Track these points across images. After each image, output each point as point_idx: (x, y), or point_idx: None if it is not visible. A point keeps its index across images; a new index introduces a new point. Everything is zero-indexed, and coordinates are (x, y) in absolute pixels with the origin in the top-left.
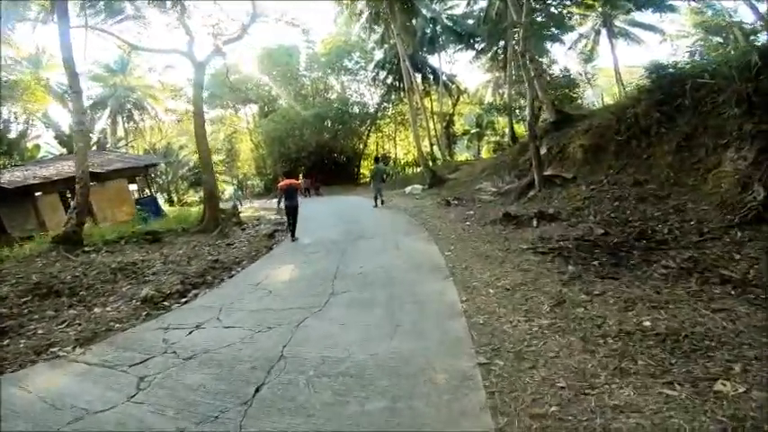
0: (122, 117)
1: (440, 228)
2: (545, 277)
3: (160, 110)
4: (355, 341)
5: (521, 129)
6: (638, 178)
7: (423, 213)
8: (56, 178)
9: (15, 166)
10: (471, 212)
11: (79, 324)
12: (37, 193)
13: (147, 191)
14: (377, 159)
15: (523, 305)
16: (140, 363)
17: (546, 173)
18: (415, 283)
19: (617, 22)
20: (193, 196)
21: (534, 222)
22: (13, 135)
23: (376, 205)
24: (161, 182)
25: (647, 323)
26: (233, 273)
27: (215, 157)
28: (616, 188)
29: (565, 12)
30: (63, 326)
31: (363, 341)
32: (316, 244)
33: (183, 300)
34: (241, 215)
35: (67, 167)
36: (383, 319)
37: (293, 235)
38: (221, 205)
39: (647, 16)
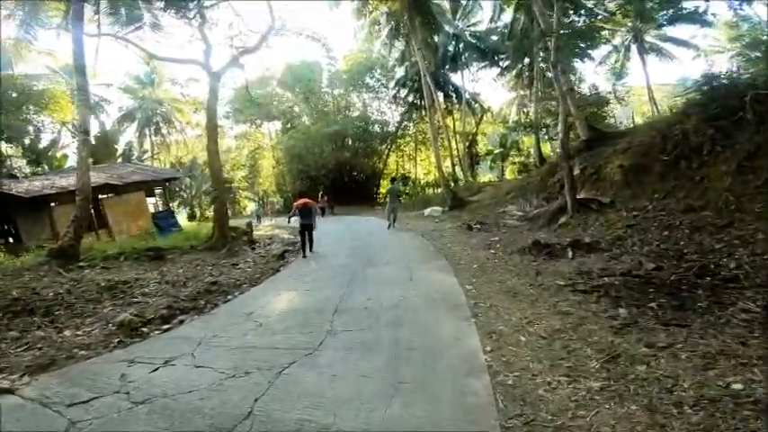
0: (149, 130)
1: (460, 256)
2: (590, 322)
3: (186, 124)
4: (345, 401)
5: (547, 149)
6: (691, 204)
7: (442, 238)
8: (72, 188)
9: (36, 175)
10: (496, 239)
11: (40, 348)
12: (52, 204)
13: (165, 204)
14: (393, 180)
15: (565, 360)
16: (82, 403)
17: (579, 196)
18: (428, 324)
19: (648, 38)
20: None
21: (569, 253)
22: (43, 144)
23: (390, 226)
24: (185, 196)
25: (738, 386)
26: (229, 297)
27: (238, 174)
28: (664, 215)
29: (596, 23)
30: (22, 349)
31: (356, 402)
32: (323, 269)
33: (166, 327)
34: (258, 233)
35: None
36: (385, 372)
37: (305, 253)
38: (242, 221)
39: (679, 31)
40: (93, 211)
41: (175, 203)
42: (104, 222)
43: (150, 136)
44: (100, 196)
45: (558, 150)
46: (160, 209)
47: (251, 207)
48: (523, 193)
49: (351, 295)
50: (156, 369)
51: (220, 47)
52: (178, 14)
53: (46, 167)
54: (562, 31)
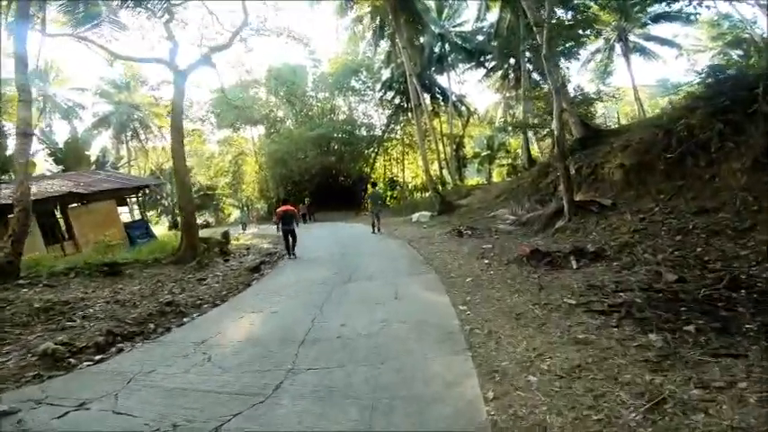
0: (125, 136)
1: (451, 267)
2: (617, 354)
3: (165, 129)
4: None
5: (535, 150)
6: (703, 205)
7: (430, 246)
8: (32, 198)
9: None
10: (489, 246)
11: None
12: (10, 215)
13: (141, 213)
14: (374, 184)
15: (593, 410)
16: None
17: (577, 198)
18: (415, 360)
19: (631, 37)
20: (198, 219)
21: (573, 262)
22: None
23: (374, 231)
24: (167, 204)
25: None
26: (185, 320)
27: (221, 180)
28: (673, 218)
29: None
30: None
31: None
32: (297, 284)
33: (99, 357)
34: (236, 242)
35: (51, 187)
36: None
37: (290, 254)
38: (221, 230)
39: (662, 29)
40: (58, 221)
41: (156, 212)
42: (70, 234)
43: (127, 142)
44: (70, 206)
45: (547, 151)
46: (136, 218)
47: (235, 214)
48: (514, 195)
49: (324, 319)
50: (65, 414)
51: (193, 47)
52: (142, 11)
53: (12, 176)
54: (554, 21)
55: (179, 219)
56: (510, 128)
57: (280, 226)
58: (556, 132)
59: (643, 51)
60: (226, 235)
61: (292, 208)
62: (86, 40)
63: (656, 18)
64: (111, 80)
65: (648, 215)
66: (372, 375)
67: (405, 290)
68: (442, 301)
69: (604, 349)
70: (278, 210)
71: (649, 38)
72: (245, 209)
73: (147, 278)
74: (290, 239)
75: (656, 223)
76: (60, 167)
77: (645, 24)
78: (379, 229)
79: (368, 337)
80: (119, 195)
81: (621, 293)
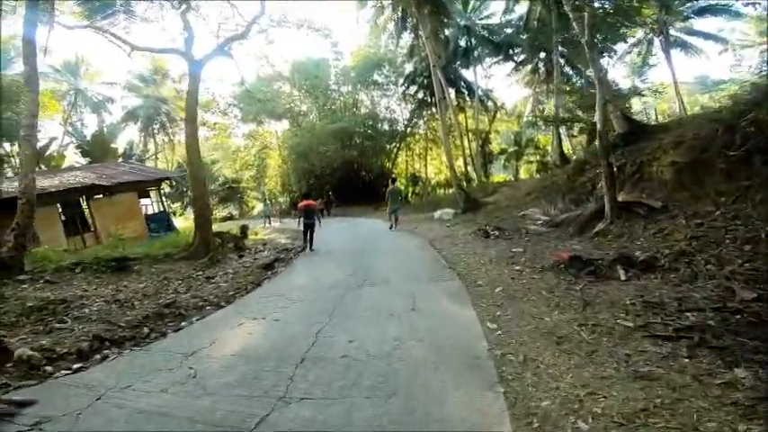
0: (152, 129)
1: (477, 273)
2: (694, 394)
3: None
4: None
5: (566, 146)
6: None
7: (454, 247)
8: (52, 190)
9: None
10: (519, 250)
11: None
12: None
13: (161, 205)
14: (393, 180)
15: None
16: None
17: (620, 199)
18: (430, 393)
19: (672, 31)
20: (223, 212)
21: (620, 272)
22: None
23: (392, 227)
24: (191, 197)
25: None
26: (183, 325)
27: (246, 173)
28: (740, 224)
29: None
30: None
31: None
32: (308, 286)
33: (78, 366)
34: (255, 236)
35: (74, 179)
36: None
37: (310, 247)
38: (244, 223)
39: (705, 23)
40: (79, 213)
41: (181, 204)
42: (93, 225)
43: (154, 135)
44: (92, 198)
45: (579, 148)
46: (158, 210)
47: (259, 207)
48: (546, 194)
49: (330, 332)
50: None
51: (213, 39)
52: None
53: (43, 167)
54: (597, 4)
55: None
56: (541, 122)
57: (302, 220)
58: (599, 126)
59: (684, 46)
60: (244, 229)
61: (314, 203)
62: (104, 31)
63: (701, 11)
64: (139, 74)
65: (707, 220)
66: (378, 413)
67: (424, 299)
68: (466, 315)
69: (677, 387)
70: (300, 204)
71: (692, 32)
72: (269, 202)
73: (154, 275)
74: (310, 233)
75: (718, 229)
76: (87, 160)
77: (687, 18)
78: (396, 225)
79: (378, 358)
80: (141, 188)
81: (688, 313)
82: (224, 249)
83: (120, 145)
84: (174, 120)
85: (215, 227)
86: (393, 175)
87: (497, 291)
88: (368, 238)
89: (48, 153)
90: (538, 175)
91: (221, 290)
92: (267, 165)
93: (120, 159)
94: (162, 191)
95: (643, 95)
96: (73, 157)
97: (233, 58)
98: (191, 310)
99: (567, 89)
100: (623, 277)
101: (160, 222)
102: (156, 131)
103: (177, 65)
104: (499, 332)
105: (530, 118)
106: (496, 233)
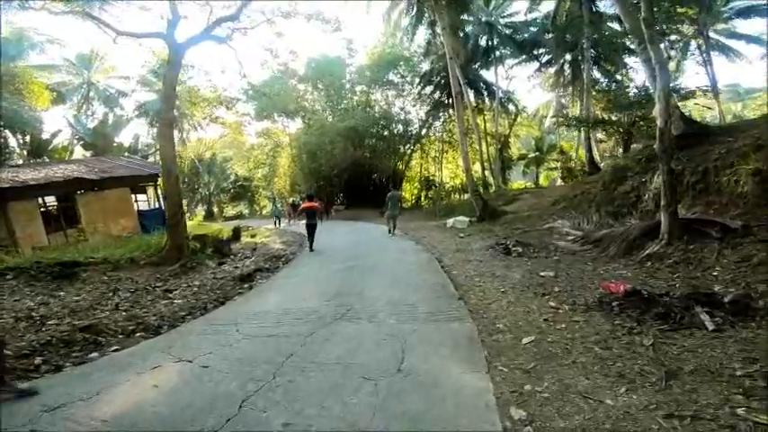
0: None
1: (496, 308)
2: None
3: (200, 118)
4: None
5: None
6: None
7: (467, 265)
8: (32, 183)
9: (12, 167)
10: (550, 274)
11: None
12: (11, 201)
13: (156, 201)
14: (394, 186)
15: None
16: None
17: (682, 215)
18: None
19: (711, 33)
20: (233, 210)
21: (704, 318)
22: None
23: (390, 231)
24: (203, 193)
25: None
26: (90, 357)
27: (258, 172)
28: None
29: None
30: None
31: None
32: (270, 316)
33: None
34: (254, 237)
35: (60, 172)
36: None
37: (311, 247)
38: (238, 225)
39: (747, 25)
40: (65, 208)
41: (187, 200)
42: (77, 220)
43: None
44: (82, 191)
45: (607, 155)
46: (156, 206)
47: (269, 207)
48: (577, 204)
49: (263, 403)
50: None
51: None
52: None
53: (47, 159)
54: None
55: (214, 208)
56: (573, 123)
57: (303, 220)
58: (659, 122)
59: (723, 50)
60: (237, 231)
61: (316, 204)
62: (88, 16)
63: (744, 12)
64: (153, 69)
65: None
66: None
67: (417, 352)
68: (478, 387)
69: None
70: (303, 206)
71: (732, 35)
72: (280, 202)
73: (103, 284)
74: (311, 234)
75: None
76: (90, 153)
77: (729, 19)
78: (394, 231)
79: None
80: (135, 183)
81: None
82: (203, 255)
83: (125, 139)
84: (185, 114)
85: (219, 226)
86: (406, 175)
87: (525, 342)
88: (366, 250)
89: (51, 146)
90: (561, 183)
91: (171, 309)
92: (278, 164)
93: (127, 153)
94: (158, 186)
95: (693, 97)
96: (81, 150)
97: (228, 45)
98: (115, 336)
99: (599, 90)
100: (711, 325)
101: (154, 219)
102: None
103: (189, 58)
104: (530, 429)
105: (559, 119)
106: (519, 249)
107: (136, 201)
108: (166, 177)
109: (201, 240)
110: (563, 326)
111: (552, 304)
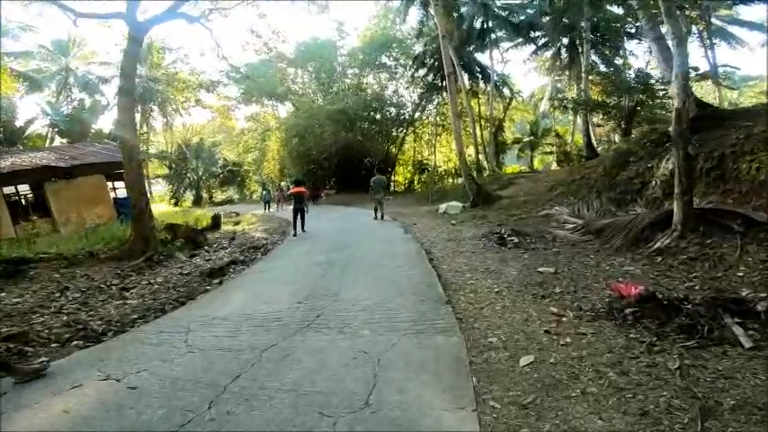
0: (147, 109)
1: (488, 314)
2: None
3: (184, 103)
4: None
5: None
6: None
7: (457, 257)
8: None
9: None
10: (550, 270)
11: None
12: None
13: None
14: (379, 170)
15: None
16: None
17: (698, 205)
18: None
19: (714, 20)
20: (222, 195)
21: (737, 331)
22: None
23: (376, 217)
24: (191, 178)
25: None
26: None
27: (248, 156)
28: None
29: None
30: None
31: None
32: (229, 321)
33: None
34: (237, 225)
35: (29, 160)
36: None
37: (295, 232)
38: (218, 213)
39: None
40: (33, 198)
41: (173, 186)
42: (47, 211)
43: (148, 116)
44: (48, 181)
45: (605, 139)
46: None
47: (259, 192)
48: (575, 190)
49: None
50: None
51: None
52: None
53: (21, 148)
54: None
55: (203, 193)
56: (572, 106)
57: (292, 205)
58: (676, 102)
59: (725, 36)
60: (216, 218)
61: (303, 189)
62: None
63: None
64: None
65: None
66: None
67: (391, 377)
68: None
69: None
70: (291, 191)
71: (732, 21)
72: (269, 187)
73: (53, 283)
74: (300, 217)
75: None
76: (66, 140)
77: (733, 4)
78: (382, 216)
79: None
80: (110, 170)
81: None
82: (173, 247)
83: (107, 125)
84: (169, 99)
85: (203, 212)
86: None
87: (524, 365)
88: (351, 239)
89: (26, 134)
90: (556, 167)
91: (122, 311)
92: (267, 148)
93: (106, 140)
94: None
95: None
96: (59, 138)
97: (202, 25)
98: (47, 345)
99: (598, 72)
100: (747, 342)
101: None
102: (150, 112)
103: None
104: None
105: (555, 102)
106: (515, 239)
107: (114, 188)
108: (128, 163)
109: (173, 230)
110: (568, 340)
111: (554, 310)
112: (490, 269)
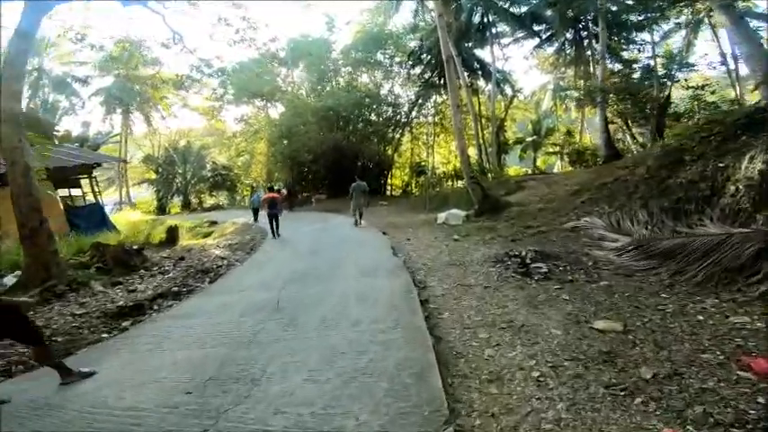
0: (125, 110)
1: None
2: None
3: (163, 101)
4: None
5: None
6: None
7: (465, 297)
8: None
9: None
10: (615, 327)
11: None
12: None
13: (93, 198)
14: (359, 176)
15: None
16: None
17: None
18: None
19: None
20: (210, 200)
21: None
22: None
23: (356, 223)
24: (179, 183)
25: None
26: None
27: (239, 160)
28: None
29: None
30: None
31: None
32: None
33: None
34: (205, 240)
35: None
36: None
37: (274, 235)
38: (175, 224)
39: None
40: None
41: (158, 193)
42: None
43: (127, 117)
44: None
45: (618, 137)
46: (85, 203)
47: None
48: (608, 196)
49: None
50: None
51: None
52: None
53: None
54: None
55: (192, 198)
56: (592, 96)
57: (266, 211)
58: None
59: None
60: (172, 231)
61: (277, 195)
62: None
63: None
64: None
65: None
66: None
67: None
68: None
69: None
70: (264, 197)
71: (746, 13)
72: (258, 191)
73: None
74: (274, 222)
75: None
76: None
77: None
78: (361, 220)
79: None
80: (63, 175)
81: None
82: (87, 272)
83: (71, 127)
84: (148, 101)
85: (192, 218)
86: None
87: None
88: (323, 264)
89: None
90: (560, 167)
91: None
92: (255, 150)
93: (77, 144)
94: (95, 179)
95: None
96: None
97: (149, 8)
98: None
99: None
100: None
101: (89, 217)
102: (130, 113)
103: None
104: None
105: (569, 94)
106: (542, 267)
107: (71, 196)
108: (10, 171)
109: (100, 250)
110: None
111: (653, 423)
112: (517, 324)
